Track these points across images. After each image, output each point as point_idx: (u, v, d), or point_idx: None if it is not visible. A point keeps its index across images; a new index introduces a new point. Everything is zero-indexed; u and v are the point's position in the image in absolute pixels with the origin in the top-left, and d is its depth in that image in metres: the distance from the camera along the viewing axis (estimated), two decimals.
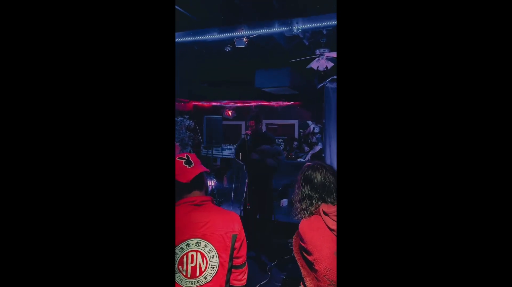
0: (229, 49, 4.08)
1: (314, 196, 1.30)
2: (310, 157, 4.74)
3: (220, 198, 4.41)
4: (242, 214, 3.37)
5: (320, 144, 4.79)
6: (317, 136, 4.86)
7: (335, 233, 1.21)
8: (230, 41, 3.84)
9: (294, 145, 5.14)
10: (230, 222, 1.28)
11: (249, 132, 3.09)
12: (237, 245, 1.27)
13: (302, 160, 4.40)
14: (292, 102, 6.28)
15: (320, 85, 4.89)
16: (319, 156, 4.53)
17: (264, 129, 6.36)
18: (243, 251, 1.31)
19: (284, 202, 4.26)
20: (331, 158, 3.55)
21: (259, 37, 3.71)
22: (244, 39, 3.68)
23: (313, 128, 4.94)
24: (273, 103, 6.43)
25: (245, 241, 1.33)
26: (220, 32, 3.77)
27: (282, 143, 4.54)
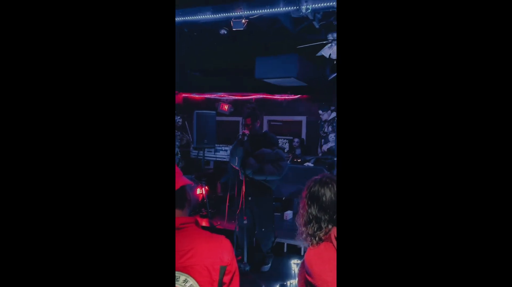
0: (225, 32, 3.99)
1: (323, 217, 1.21)
2: (323, 152, 4.65)
3: (212, 209, 4.33)
4: (237, 229, 3.28)
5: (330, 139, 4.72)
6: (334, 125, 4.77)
7: None
8: (226, 22, 3.75)
9: (294, 143, 5.02)
10: (218, 250, 1.19)
11: (246, 132, 2.99)
12: (226, 279, 1.18)
13: (309, 164, 4.30)
14: (299, 95, 6.17)
15: (332, 76, 4.80)
16: (329, 162, 4.42)
17: (266, 127, 6.27)
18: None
19: (288, 214, 4.17)
20: None
21: (260, 18, 3.61)
22: (243, 21, 3.59)
23: (335, 116, 4.83)
24: (277, 96, 6.33)
25: (237, 273, 1.24)
26: (214, 11, 3.68)
27: (287, 144, 4.43)
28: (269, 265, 3.20)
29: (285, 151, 4.60)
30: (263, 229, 3.13)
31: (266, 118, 6.43)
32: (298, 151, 5.06)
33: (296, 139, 5.09)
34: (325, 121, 4.91)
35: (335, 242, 1.16)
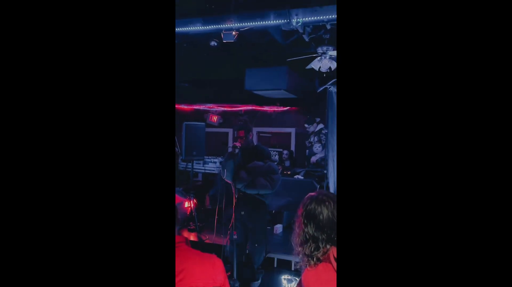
0: (215, 44, 3.97)
1: (320, 237, 1.17)
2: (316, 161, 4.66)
3: (200, 222, 4.23)
4: (227, 244, 3.20)
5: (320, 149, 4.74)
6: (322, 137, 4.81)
7: None
8: (217, 34, 3.74)
9: (283, 156, 5.01)
10: (211, 271, 1.14)
11: (238, 144, 2.95)
12: None
13: (299, 176, 4.27)
14: (288, 107, 6.19)
15: (321, 89, 4.83)
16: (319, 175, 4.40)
17: (256, 139, 6.24)
18: None
19: (278, 228, 4.11)
20: (335, 177, 3.43)
21: (251, 30, 3.62)
22: (233, 33, 3.59)
23: (321, 127, 4.87)
24: (266, 108, 6.34)
25: None
26: (205, 23, 3.66)
27: (277, 156, 4.40)
28: (259, 281, 3.12)
29: (275, 163, 4.57)
30: (256, 245, 3.06)
31: (255, 130, 6.41)
32: (287, 163, 5.03)
33: (285, 152, 5.07)
34: (312, 132, 4.95)
35: (334, 263, 1.12)
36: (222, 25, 3.64)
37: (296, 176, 4.27)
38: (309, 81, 5.02)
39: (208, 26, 3.68)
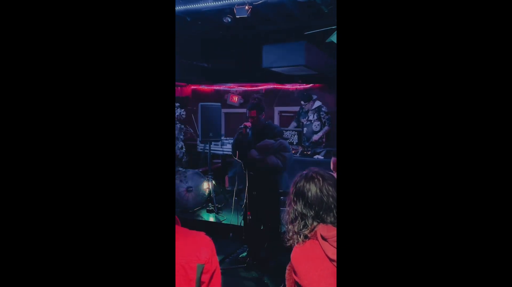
0: (229, 20, 3.92)
1: (308, 214, 1.16)
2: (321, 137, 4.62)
3: (218, 203, 4.33)
4: (242, 224, 3.26)
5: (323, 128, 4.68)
6: (327, 117, 4.74)
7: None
8: (230, 10, 3.69)
9: (303, 132, 4.95)
10: (195, 247, 1.16)
11: (248, 124, 2.94)
12: (204, 278, 1.16)
13: (319, 157, 4.21)
14: (311, 85, 6.05)
15: None
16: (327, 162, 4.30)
17: (277, 118, 6.19)
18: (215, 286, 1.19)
19: None
20: None
21: (265, 4, 3.53)
22: (246, 7, 3.52)
23: (320, 105, 4.79)
24: (288, 86, 6.23)
25: (218, 272, 1.21)
26: None
27: (296, 136, 4.35)
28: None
29: (295, 143, 4.51)
30: (269, 225, 3.09)
31: (277, 109, 6.35)
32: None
33: (305, 128, 4.98)
34: (308, 110, 4.84)
35: (321, 240, 1.11)
36: None
37: (316, 156, 4.22)
38: (331, 56, 4.86)
39: (219, 1, 3.63)
